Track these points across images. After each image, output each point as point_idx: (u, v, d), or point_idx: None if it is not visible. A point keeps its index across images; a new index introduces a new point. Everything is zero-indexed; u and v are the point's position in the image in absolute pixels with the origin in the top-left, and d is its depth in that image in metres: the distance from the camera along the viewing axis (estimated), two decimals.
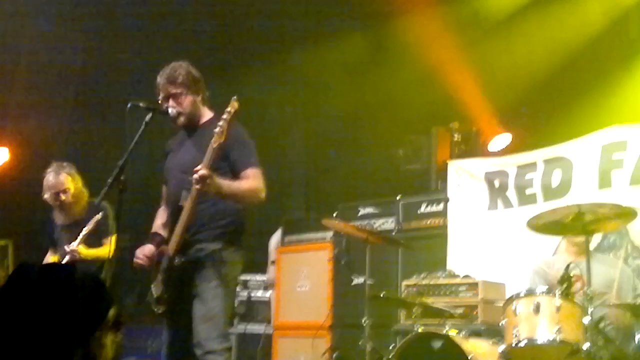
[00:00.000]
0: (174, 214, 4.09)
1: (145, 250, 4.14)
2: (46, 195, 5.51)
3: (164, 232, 4.24)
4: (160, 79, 4.25)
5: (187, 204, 3.94)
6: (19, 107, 8.71)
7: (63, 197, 5.46)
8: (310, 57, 8.71)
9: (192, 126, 4.28)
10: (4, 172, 8.63)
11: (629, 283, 5.03)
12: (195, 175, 3.78)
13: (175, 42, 8.28)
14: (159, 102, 4.24)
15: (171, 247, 4.04)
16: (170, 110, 4.17)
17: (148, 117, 4.11)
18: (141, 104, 4.12)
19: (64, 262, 5.23)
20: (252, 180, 4.09)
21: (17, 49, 8.35)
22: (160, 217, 4.37)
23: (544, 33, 7.56)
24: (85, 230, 5.21)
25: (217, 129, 3.86)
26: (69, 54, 8.53)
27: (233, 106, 3.93)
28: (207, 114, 4.36)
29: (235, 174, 4.10)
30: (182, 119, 4.23)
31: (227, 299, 4.09)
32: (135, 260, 4.14)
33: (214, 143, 3.85)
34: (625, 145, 5.61)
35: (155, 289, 4.07)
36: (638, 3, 6.85)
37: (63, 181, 5.46)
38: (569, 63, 7.28)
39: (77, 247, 5.21)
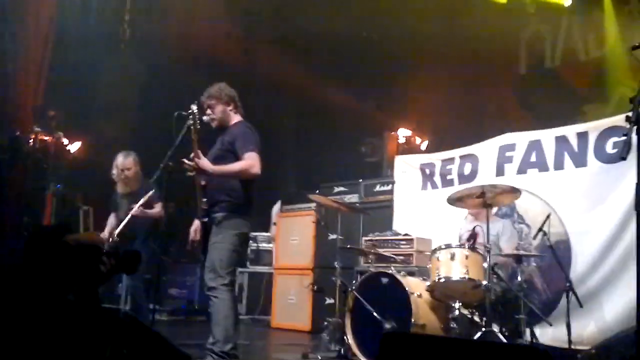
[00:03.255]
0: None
1: (194, 228, 4.09)
2: (114, 171, 5.42)
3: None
4: (203, 95, 4.18)
5: (197, 184, 3.92)
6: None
7: (127, 173, 5.37)
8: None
9: (223, 128, 4.15)
10: (83, 158, 8.67)
11: (513, 240, 5.06)
12: (185, 165, 3.75)
13: None
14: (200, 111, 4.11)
15: (199, 212, 4.00)
16: (204, 117, 4.06)
17: (190, 122, 4.04)
18: (184, 113, 4.02)
19: (124, 221, 5.13)
20: (245, 161, 3.89)
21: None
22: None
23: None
24: (142, 200, 5.12)
25: (214, 124, 3.95)
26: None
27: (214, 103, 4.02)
28: (235, 119, 4.19)
29: (238, 160, 3.93)
30: (214, 123, 4.12)
31: (226, 252, 3.87)
32: (190, 235, 4.10)
33: (193, 137, 3.82)
34: (515, 146, 5.61)
35: (201, 248, 4.01)
36: None
37: (129, 162, 5.39)
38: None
39: (135, 211, 5.11)
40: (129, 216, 5.13)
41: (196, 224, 4.10)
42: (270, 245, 8.31)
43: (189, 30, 8.37)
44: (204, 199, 3.96)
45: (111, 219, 5.53)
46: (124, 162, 5.41)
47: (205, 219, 3.98)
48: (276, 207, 8.21)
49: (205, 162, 3.81)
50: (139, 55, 8.52)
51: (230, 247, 3.91)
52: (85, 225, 8.09)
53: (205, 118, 4.09)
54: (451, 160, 6.19)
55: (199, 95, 4.16)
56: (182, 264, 8.43)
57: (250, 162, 3.91)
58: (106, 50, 8.36)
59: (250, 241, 8.22)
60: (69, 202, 8.16)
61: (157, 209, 5.30)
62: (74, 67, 8.04)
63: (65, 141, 8.32)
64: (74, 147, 8.63)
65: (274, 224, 8.07)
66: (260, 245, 8.40)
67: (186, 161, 3.78)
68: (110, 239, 5.15)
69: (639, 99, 2.65)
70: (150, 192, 5.17)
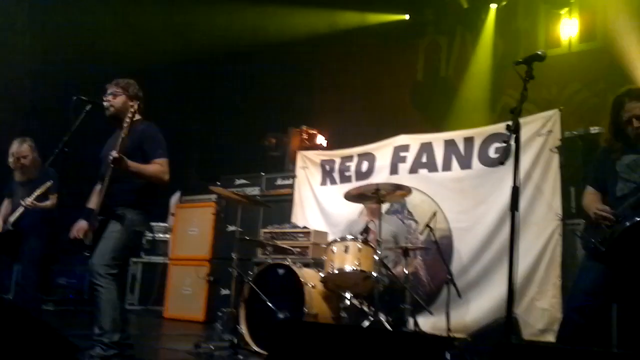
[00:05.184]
0: (101, 186, 3.91)
1: (78, 226, 3.94)
2: (10, 159, 5.24)
3: (94, 203, 4.01)
4: (110, 83, 4.07)
5: (106, 178, 3.80)
6: None
7: (23, 161, 5.21)
8: None
9: (119, 122, 3.91)
10: None
11: (403, 234, 5.24)
12: (109, 157, 3.66)
13: None
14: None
15: (96, 208, 3.88)
16: (104, 103, 3.97)
17: (88, 107, 3.99)
18: (83, 98, 3.95)
19: (18, 212, 5.04)
20: (157, 166, 3.87)
21: None
22: (94, 192, 4.14)
23: None
24: (38, 191, 5.00)
25: (124, 124, 3.73)
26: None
27: (134, 107, 3.83)
28: (136, 117, 3.99)
29: (146, 162, 3.88)
30: (110, 111, 3.97)
31: (119, 244, 3.79)
32: (71, 234, 3.95)
33: (123, 134, 3.72)
34: (408, 147, 5.87)
35: (87, 239, 3.87)
36: None
37: (25, 149, 5.22)
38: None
39: (30, 203, 5.04)
40: (21, 209, 5.04)
41: (81, 223, 3.95)
42: (167, 235, 8.17)
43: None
44: (106, 195, 3.85)
45: (6, 204, 5.36)
46: (19, 150, 5.23)
47: (102, 217, 3.87)
48: (175, 198, 8.09)
49: (126, 161, 3.73)
50: (33, 36, 8.02)
51: (124, 240, 3.85)
52: None
53: (104, 103, 3.99)
54: (350, 158, 6.36)
55: (97, 80, 4.07)
56: (71, 253, 8.04)
57: (163, 168, 3.91)
58: None
59: (146, 231, 8.06)
60: None
61: (52, 200, 5.16)
62: None
63: None
64: None
65: (172, 214, 7.94)
66: (156, 235, 8.23)
67: (113, 154, 3.66)
68: (4, 225, 5.09)
69: (518, 110, 2.88)
70: (48, 183, 5.05)
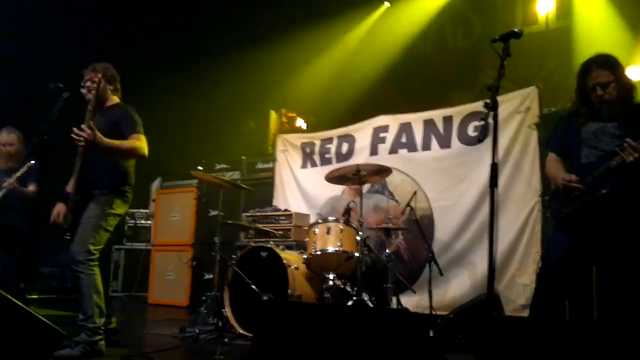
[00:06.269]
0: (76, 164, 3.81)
1: (57, 210, 3.87)
2: None
3: (71, 186, 3.90)
4: (87, 68, 4.04)
5: (77, 158, 3.75)
6: None
7: (9, 149, 5.29)
8: None
9: (99, 106, 3.97)
10: None
11: (386, 215, 5.30)
12: (74, 133, 3.53)
13: None
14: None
15: (71, 189, 3.82)
16: (82, 90, 3.93)
17: (66, 94, 3.91)
18: (60, 85, 3.88)
19: (1, 193, 5.03)
20: (134, 141, 3.83)
21: None
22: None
23: None
24: (20, 171, 5.00)
25: (90, 96, 3.77)
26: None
27: (98, 77, 3.86)
28: (114, 100, 4.11)
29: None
30: (90, 96, 3.91)
31: (99, 229, 3.77)
32: (51, 219, 3.89)
33: (90, 107, 3.70)
34: (388, 128, 5.88)
35: (65, 221, 3.81)
36: None
37: (12, 138, 5.32)
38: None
39: (12, 183, 5.00)
40: (5, 189, 5.02)
41: (60, 206, 3.90)
42: (149, 221, 8.12)
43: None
44: (79, 173, 3.79)
45: None
46: (7, 138, 5.34)
47: (79, 197, 3.83)
48: (156, 184, 8.04)
49: (99, 134, 3.64)
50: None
51: (104, 225, 3.83)
52: None
53: (82, 90, 3.95)
54: (330, 139, 6.36)
55: (71, 67, 4.02)
56: (53, 241, 7.96)
57: (140, 142, 3.87)
58: None
59: (128, 218, 8.00)
60: None
61: (32, 188, 5.17)
62: None
63: None
64: None
65: (153, 200, 7.89)
66: (138, 221, 8.19)
67: (77, 130, 3.55)
68: None
69: (495, 87, 2.88)
70: (30, 163, 5.03)
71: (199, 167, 6.92)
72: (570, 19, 6.85)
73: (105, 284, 3.89)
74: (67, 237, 3.82)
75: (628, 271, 3.15)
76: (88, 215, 3.81)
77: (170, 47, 8.77)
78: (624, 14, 6.24)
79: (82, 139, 3.54)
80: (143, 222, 8.21)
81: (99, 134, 3.61)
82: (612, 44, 5.88)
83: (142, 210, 8.20)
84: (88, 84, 3.97)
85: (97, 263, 3.78)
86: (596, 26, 6.41)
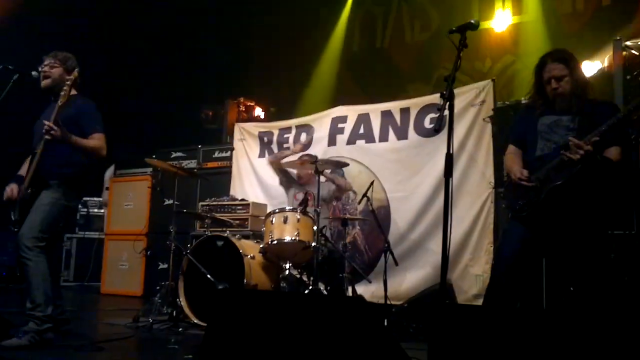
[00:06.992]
0: (32, 157, 3.76)
1: (10, 187, 3.80)
2: None
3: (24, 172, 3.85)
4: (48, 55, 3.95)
5: (38, 150, 3.67)
6: None
7: None
8: None
9: (55, 95, 3.82)
10: None
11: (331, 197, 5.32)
12: (45, 127, 3.53)
13: None
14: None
15: (26, 181, 3.73)
16: (34, 72, 3.83)
17: (15, 76, 3.81)
18: (9, 67, 3.78)
19: None
20: (95, 141, 3.80)
21: None
22: (26, 162, 3.95)
23: None
24: None
25: (62, 92, 3.63)
26: None
27: (74, 75, 3.73)
28: (72, 92, 3.89)
29: (83, 137, 3.78)
30: (46, 82, 3.87)
31: (49, 217, 3.70)
32: (5, 193, 3.80)
33: (59, 102, 3.61)
34: (346, 119, 5.88)
35: (14, 214, 3.72)
36: None
37: None
38: None
39: None
40: None
41: (13, 185, 3.83)
42: (102, 210, 7.95)
43: None
44: (37, 167, 3.70)
45: None
46: None
47: (32, 190, 3.73)
48: (109, 172, 7.84)
49: (66, 131, 3.62)
50: None
51: (55, 214, 3.75)
52: None
53: (33, 73, 3.86)
54: (288, 129, 6.33)
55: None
56: (1, 229, 7.70)
57: (101, 143, 3.84)
58: None
59: (80, 206, 7.79)
60: None
61: None
62: None
63: None
64: None
65: (107, 188, 7.70)
66: (90, 210, 8.00)
67: (47, 123, 3.54)
68: None
69: (451, 77, 2.89)
70: None
71: (154, 155, 6.76)
72: (527, 15, 7.01)
73: (56, 274, 3.80)
74: (15, 230, 3.72)
75: (577, 261, 3.23)
76: (41, 203, 3.73)
77: (126, 32, 8.54)
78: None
79: (50, 135, 3.54)
80: (96, 210, 8.04)
81: (65, 131, 3.61)
82: (564, 40, 6.04)
83: (95, 199, 8.02)
84: (46, 69, 3.88)
85: (45, 251, 3.68)
86: (550, 23, 6.57)
